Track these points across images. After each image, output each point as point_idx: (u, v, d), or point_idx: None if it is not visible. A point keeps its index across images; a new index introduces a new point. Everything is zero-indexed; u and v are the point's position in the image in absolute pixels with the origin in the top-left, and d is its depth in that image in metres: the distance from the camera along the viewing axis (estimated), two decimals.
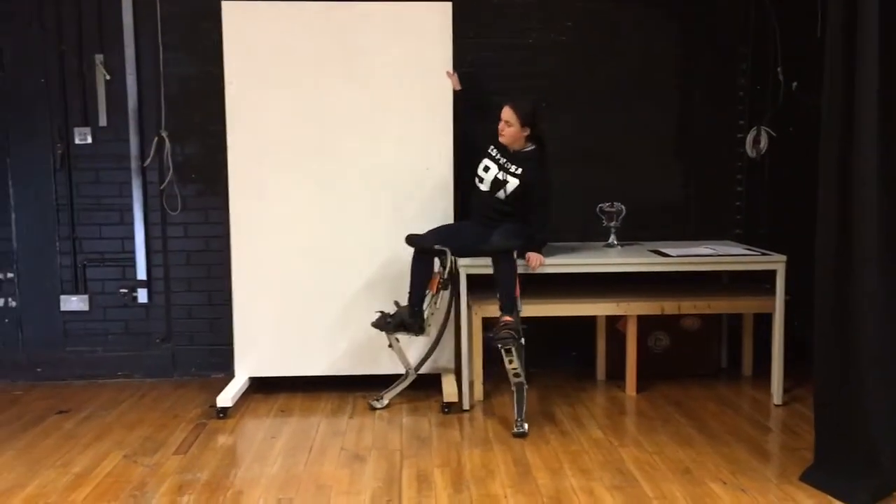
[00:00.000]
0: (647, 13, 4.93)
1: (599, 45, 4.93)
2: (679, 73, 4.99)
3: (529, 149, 4.28)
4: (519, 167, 4.24)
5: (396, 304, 4.25)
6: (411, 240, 4.23)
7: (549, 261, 4.35)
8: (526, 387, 4.05)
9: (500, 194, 4.25)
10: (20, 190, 4.84)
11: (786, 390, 4.39)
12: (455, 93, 4.47)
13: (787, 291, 4.35)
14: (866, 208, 3.11)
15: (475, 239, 4.22)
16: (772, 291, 4.38)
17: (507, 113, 4.21)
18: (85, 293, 4.91)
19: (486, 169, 4.30)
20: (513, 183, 4.23)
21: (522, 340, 4.03)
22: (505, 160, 4.27)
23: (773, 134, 4.93)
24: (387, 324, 4.20)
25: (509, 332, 3.94)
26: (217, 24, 4.42)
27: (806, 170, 4.12)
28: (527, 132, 4.22)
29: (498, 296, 4.09)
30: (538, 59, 4.90)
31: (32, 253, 4.88)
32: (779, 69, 4.87)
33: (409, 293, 4.25)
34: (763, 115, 4.96)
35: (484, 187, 4.30)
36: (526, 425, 3.93)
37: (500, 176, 4.25)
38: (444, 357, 4.58)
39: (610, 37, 4.93)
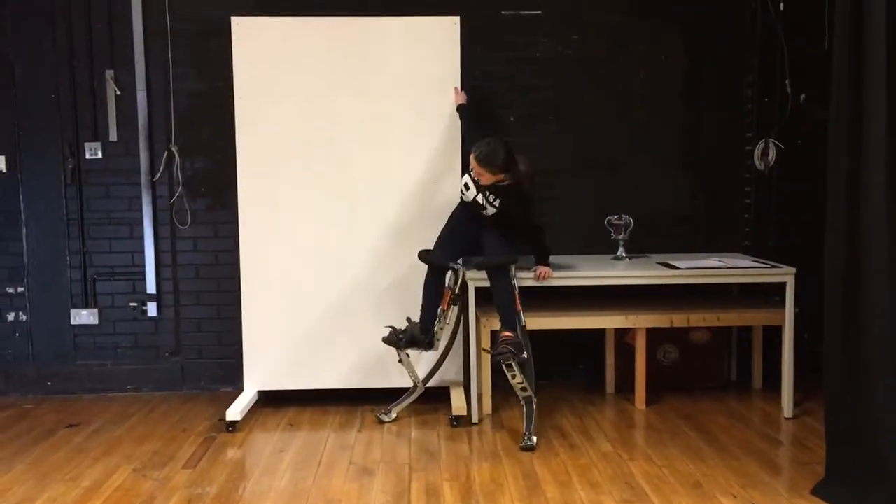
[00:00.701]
0: (654, 26, 4.94)
1: (606, 57, 4.94)
2: (686, 86, 5.00)
3: (507, 182, 4.11)
4: (497, 198, 4.15)
5: (408, 320, 4.25)
6: (424, 257, 4.23)
7: (557, 273, 4.35)
8: (535, 400, 4.04)
9: (483, 212, 4.22)
10: (31, 204, 4.87)
11: (796, 403, 4.37)
12: (460, 106, 4.45)
13: (797, 304, 4.34)
14: (875, 219, 3.11)
15: (472, 239, 4.24)
16: (781, 304, 4.37)
17: (476, 168, 4.02)
18: (95, 307, 4.94)
19: (467, 187, 4.18)
20: (491, 211, 4.18)
21: (525, 355, 4.03)
22: (483, 186, 4.15)
23: (782, 146, 4.93)
24: (398, 340, 4.20)
25: (507, 347, 3.94)
26: (226, 40, 4.46)
27: (814, 182, 4.13)
28: (503, 174, 4.06)
29: (498, 312, 4.09)
30: (545, 73, 4.92)
31: (43, 267, 4.91)
32: (786, 81, 4.87)
33: (422, 311, 4.25)
34: (771, 128, 4.95)
35: (466, 199, 4.24)
36: (535, 438, 3.92)
37: (479, 199, 4.16)
38: (452, 370, 4.58)
39: (616, 50, 4.94)
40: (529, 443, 3.90)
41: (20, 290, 4.92)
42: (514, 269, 4.16)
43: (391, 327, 4.22)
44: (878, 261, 3.11)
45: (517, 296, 4.12)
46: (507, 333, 4.00)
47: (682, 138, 5.03)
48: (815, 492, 3.34)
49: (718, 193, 5.05)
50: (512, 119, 4.93)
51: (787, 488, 3.43)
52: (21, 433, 4.26)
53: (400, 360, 4.31)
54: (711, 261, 4.60)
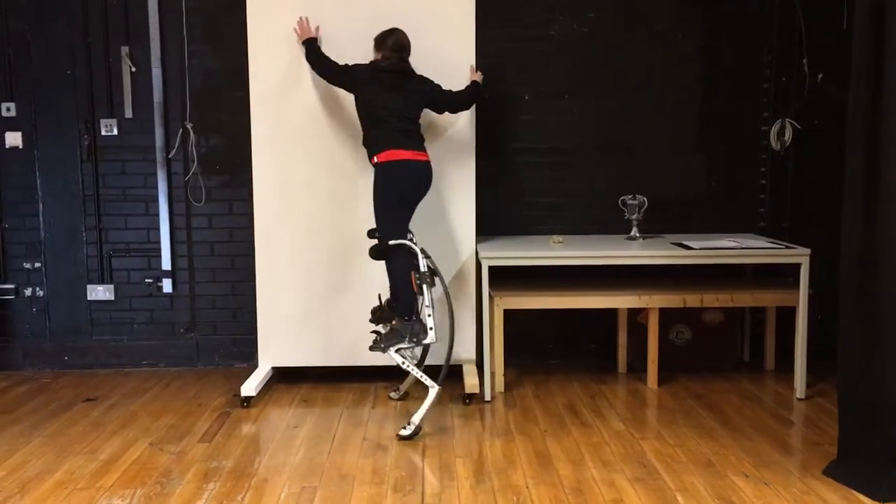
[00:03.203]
0: (671, 4, 4.90)
1: (622, 36, 4.91)
2: (703, 65, 4.96)
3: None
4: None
5: (379, 298, 4.16)
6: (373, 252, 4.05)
7: (570, 252, 4.37)
8: (433, 388, 3.87)
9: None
10: (47, 181, 4.91)
11: (808, 385, 4.37)
12: (473, 83, 4.41)
13: (811, 285, 4.32)
14: (892, 200, 3.09)
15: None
16: (795, 285, 4.36)
17: None
18: (111, 283, 4.98)
19: None
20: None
21: (405, 342, 3.94)
22: None
23: (798, 126, 4.89)
24: (378, 345, 4.03)
25: (376, 343, 3.98)
26: (242, 17, 4.45)
27: (831, 162, 4.10)
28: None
29: None
30: (561, 51, 4.90)
31: (59, 243, 4.95)
32: (804, 60, 4.83)
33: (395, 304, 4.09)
34: (788, 107, 4.92)
35: None
36: (412, 427, 3.77)
37: None
38: (465, 348, 4.60)
39: (633, 28, 4.91)
40: (405, 431, 3.77)
41: (37, 265, 4.96)
42: (409, 244, 3.97)
43: (375, 332, 4.08)
44: (894, 242, 3.10)
45: (412, 276, 3.93)
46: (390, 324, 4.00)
47: (698, 117, 4.99)
48: (828, 472, 3.35)
49: (733, 173, 5.03)
50: (526, 97, 4.92)
51: (799, 468, 3.44)
52: (39, 407, 4.32)
53: (398, 365, 4.06)
54: (726, 241, 4.59)
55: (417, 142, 4.11)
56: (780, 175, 5.01)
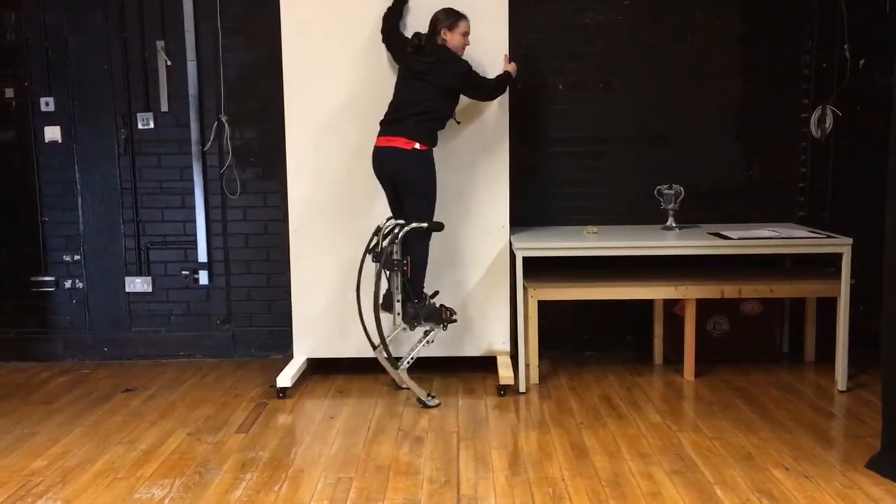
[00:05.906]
0: None
1: (658, 23, 4.84)
2: (741, 51, 4.88)
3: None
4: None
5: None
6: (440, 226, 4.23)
7: (605, 243, 4.33)
8: None
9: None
10: (86, 174, 4.98)
11: (850, 376, 4.29)
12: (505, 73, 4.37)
13: (852, 275, 4.24)
14: None
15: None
16: (835, 275, 4.28)
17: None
18: (148, 275, 5.04)
19: None
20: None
21: None
22: None
23: (839, 113, 4.79)
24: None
25: None
26: (275, 9, 4.46)
27: (873, 150, 4.01)
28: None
29: None
30: (595, 39, 4.84)
31: (98, 235, 5.02)
32: (845, 46, 4.71)
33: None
34: (828, 94, 4.81)
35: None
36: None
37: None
38: (499, 339, 4.58)
39: (669, 14, 4.83)
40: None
41: (76, 258, 5.04)
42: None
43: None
44: None
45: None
46: None
47: (736, 105, 4.91)
48: (870, 465, 3.28)
49: (773, 162, 4.94)
50: (560, 87, 4.87)
51: (841, 461, 3.38)
52: (80, 397, 4.39)
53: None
54: (765, 231, 4.51)
55: (400, 128, 4.10)
56: (821, 163, 4.91)
